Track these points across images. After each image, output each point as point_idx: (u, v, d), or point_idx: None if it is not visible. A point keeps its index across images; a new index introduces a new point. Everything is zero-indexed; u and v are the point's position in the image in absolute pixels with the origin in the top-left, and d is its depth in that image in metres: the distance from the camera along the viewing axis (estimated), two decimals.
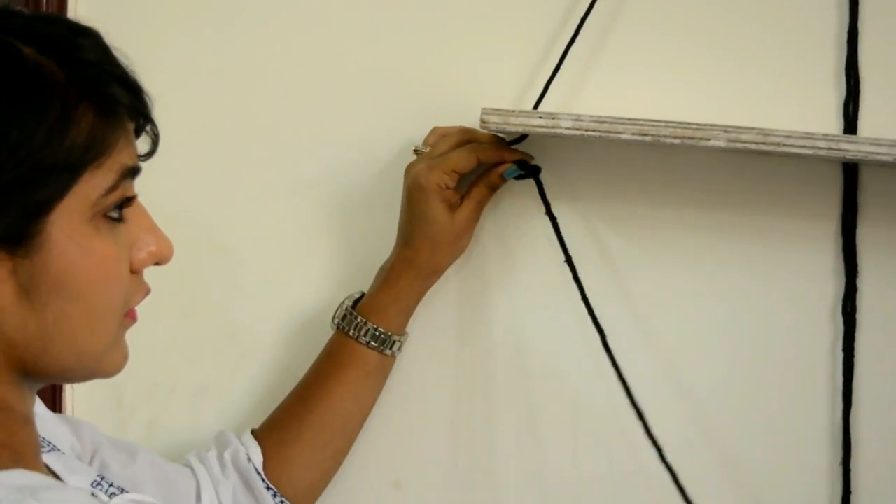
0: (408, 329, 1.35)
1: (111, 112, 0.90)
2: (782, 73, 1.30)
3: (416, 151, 1.32)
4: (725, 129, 1.14)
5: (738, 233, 1.32)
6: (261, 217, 1.43)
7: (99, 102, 0.89)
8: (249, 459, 1.29)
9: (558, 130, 1.17)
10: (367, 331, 1.31)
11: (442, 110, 1.34)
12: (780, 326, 1.33)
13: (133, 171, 0.93)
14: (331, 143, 1.40)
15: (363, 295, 1.34)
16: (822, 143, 1.13)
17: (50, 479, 0.91)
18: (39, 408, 1.04)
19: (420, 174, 1.28)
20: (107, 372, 0.96)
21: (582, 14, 1.30)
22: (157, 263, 0.98)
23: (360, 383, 1.33)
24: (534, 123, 1.18)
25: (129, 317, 0.97)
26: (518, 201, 1.35)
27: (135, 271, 0.96)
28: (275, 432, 1.32)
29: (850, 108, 1.28)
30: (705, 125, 1.14)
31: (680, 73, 1.32)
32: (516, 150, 1.31)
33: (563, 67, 1.30)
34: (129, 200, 0.93)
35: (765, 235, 1.31)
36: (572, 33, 1.30)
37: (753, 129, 1.13)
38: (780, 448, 1.33)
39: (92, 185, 0.88)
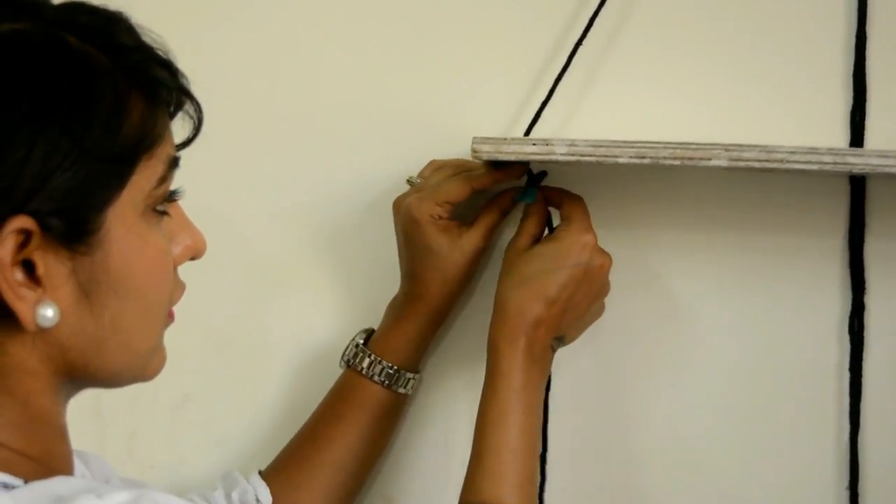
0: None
1: (157, 97, 0.90)
2: (785, 82, 1.28)
3: (409, 182, 1.30)
4: (726, 147, 1.12)
5: (740, 251, 1.30)
6: (248, 230, 1.42)
7: (146, 88, 0.89)
8: (258, 500, 1.27)
9: (553, 157, 1.15)
10: (382, 369, 1.28)
11: (432, 137, 1.33)
12: (784, 345, 1.31)
13: (176, 161, 0.93)
14: (321, 171, 1.39)
15: (373, 331, 1.32)
16: (827, 158, 1.11)
17: (95, 483, 0.93)
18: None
19: (412, 206, 1.25)
20: (152, 373, 0.97)
21: (574, 37, 1.29)
22: (192, 258, 0.98)
23: (375, 425, 1.30)
24: (527, 151, 1.16)
25: (170, 316, 0.98)
26: None
27: (174, 267, 0.97)
28: (283, 474, 1.29)
29: (858, 116, 1.25)
30: (705, 145, 1.13)
31: (676, 88, 1.30)
32: (507, 171, 1.26)
33: (556, 91, 1.29)
34: (174, 194, 0.94)
35: (768, 252, 1.30)
36: (567, 56, 1.28)
37: (756, 146, 1.12)
38: (785, 471, 1.31)
39: (146, 177, 0.88)
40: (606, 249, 1.21)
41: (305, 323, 1.41)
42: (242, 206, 1.41)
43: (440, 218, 1.24)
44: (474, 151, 1.16)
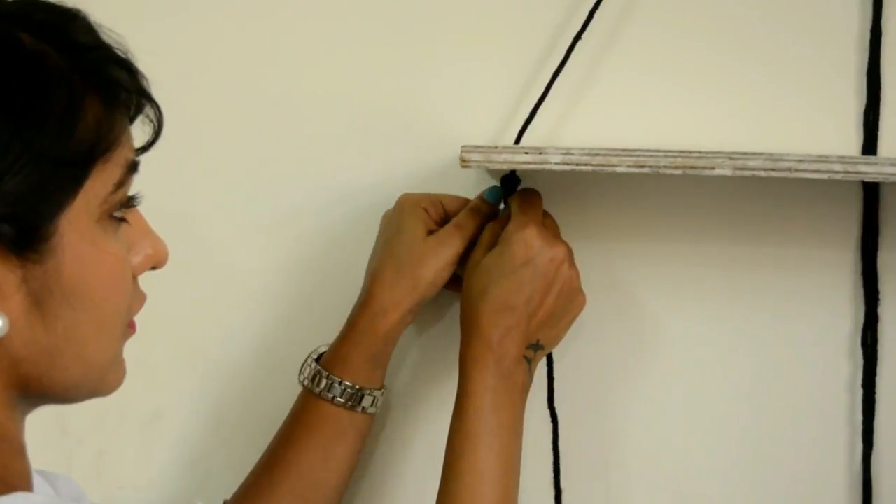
0: (386, 383, 1.29)
1: (115, 99, 0.87)
2: (793, 82, 1.26)
3: None
4: (731, 155, 1.11)
5: (746, 263, 1.29)
6: (224, 239, 1.40)
7: (103, 89, 0.86)
8: None
9: (547, 166, 1.14)
10: (332, 385, 1.24)
11: (418, 144, 1.31)
12: (794, 361, 1.29)
13: (135, 166, 0.91)
14: (299, 179, 1.37)
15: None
16: (837, 167, 1.10)
17: (62, 501, 0.93)
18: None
19: (406, 194, 1.25)
20: (109, 388, 0.94)
21: (569, 38, 1.26)
22: (153, 268, 0.96)
23: (332, 447, 1.25)
24: (519, 160, 1.14)
25: (131, 327, 0.95)
26: None
27: (132, 277, 0.94)
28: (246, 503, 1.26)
29: (871, 117, 1.23)
30: (708, 153, 1.11)
31: (677, 91, 1.28)
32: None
33: (549, 94, 1.27)
34: (132, 200, 0.92)
35: (776, 264, 1.28)
36: (561, 56, 1.26)
37: (762, 154, 1.10)
38: (794, 495, 1.30)
39: (102, 182, 0.86)
40: (603, 264, 1.23)
41: (283, 336, 1.39)
42: (216, 214, 1.39)
43: (424, 210, 1.24)
44: (463, 161, 1.15)
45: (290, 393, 1.34)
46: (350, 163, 1.34)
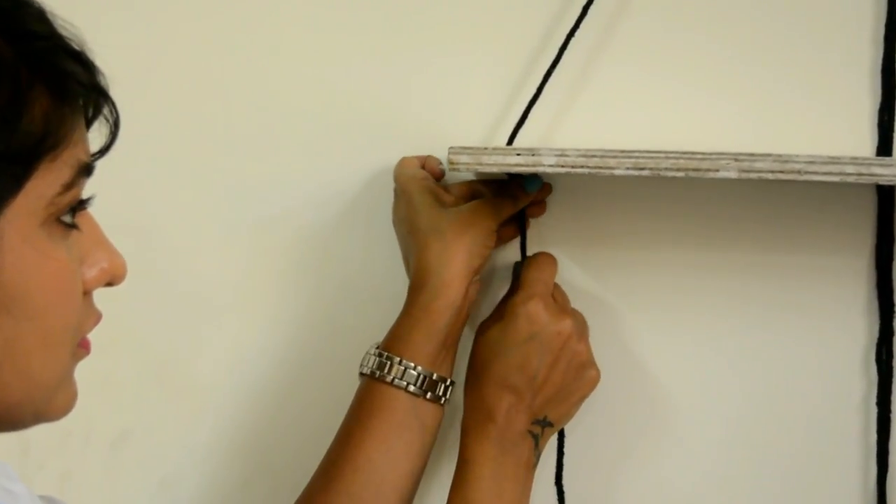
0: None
1: (66, 93, 0.84)
2: (802, 79, 1.25)
3: None
4: (736, 157, 1.09)
5: (752, 272, 1.28)
6: (192, 249, 1.38)
7: (53, 82, 0.83)
8: None
9: (540, 168, 1.12)
10: (391, 365, 1.19)
11: (404, 146, 1.29)
12: (804, 378, 1.28)
13: (88, 169, 0.86)
14: (277, 183, 1.35)
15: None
16: (850, 169, 1.08)
17: None
18: (16, 484, 1.01)
19: (404, 159, 1.26)
20: (56, 412, 0.89)
21: (563, 34, 1.25)
22: (108, 284, 0.91)
23: (392, 439, 1.19)
24: (511, 162, 1.12)
25: (83, 347, 0.91)
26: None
27: (85, 292, 0.90)
28: None
29: (886, 116, 1.23)
30: (712, 154, 1.09)
31: (678, 88, 1.27)
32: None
33: (542, 93, 1.25)
34: (83, 203, 0.87)
35: (784, 274, 1.27)
36: (555, 53, 1.25)
37: (769, 155, 1.08)
38: None
39: (47, 182, 0.82)
40: (600, 272, 1.24)
41: (257, 352, 1.37)
42: (187, 222, 1.38)
43: (428, 177, 1.24)
44: (451, 163, 1.13)
45: (266, 410, 1.35)
46: (334, 166, 1.33)
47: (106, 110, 0.89)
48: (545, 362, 1.16)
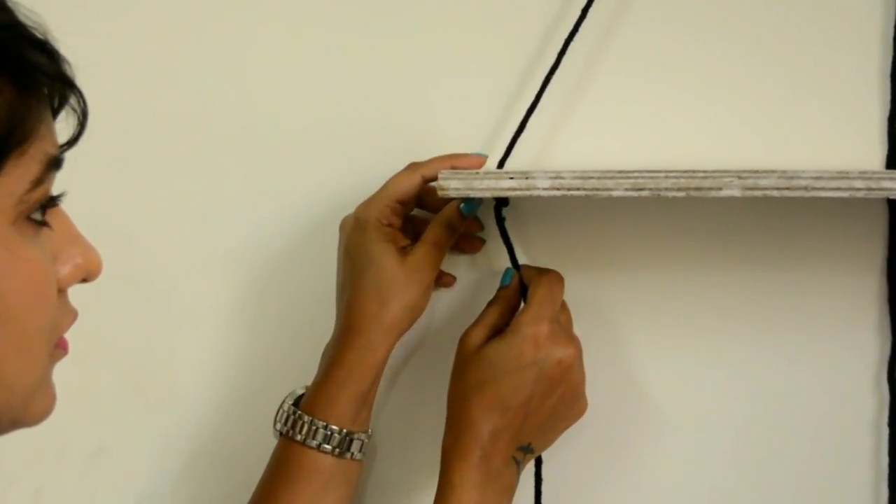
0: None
1: (32, 85, 0.83)
2: (809, 87, 1.24)
3: None
4: (740, 174, 1.07)
5: (756, 290, 1.27)
6: (173, 255, 1.37)
7: (17, 74, 0.81)
8: None
9: (534, 192, 1.10)
10: (316, 431, 1.19)
11: (395, 166, 1.25)
12: (812, 398, 1.27)
13: (57, 162, 0.85)
14: (258, 192, 1.34)
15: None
16: (859, 184, 1.07)
17: None
18: None
19: (358, 209, 1.21)
20: (35, 416, 0.88)
21: (556, 47, 1.23)
22: (84, 280, 0.91)
23: (319, 501, 1.21)
24: (504, 186, 1.11)
25: (61, 347, 0.91)
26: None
27: (60, 290, 0.89)
28: None
29: None
30: (715, 172, 1.08)
31: (678, 102, 1.26)
32: (469, 156, 1.23)
33: (536, 109, 1.24)
34: (54, 199, 0.87)
35: (791, 291, 1.26)
36: (547, 69, 1.23)
37: (774, 172, 1.07)
38: None
39: (16, 178, 0.81)
40: (597, 295, 1.23)
41: (238, 364, 1.36)
42: (167, 230, 1.37)
43: (388, 225, 1.20)
44: (441, 189, 1.12)
45: (245, 426, 1.34)
46: (316, 178, 1.32)
47: (73, 100, 0.88)
48: (541, 389, 1.14)
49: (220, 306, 1.36)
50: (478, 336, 1.18)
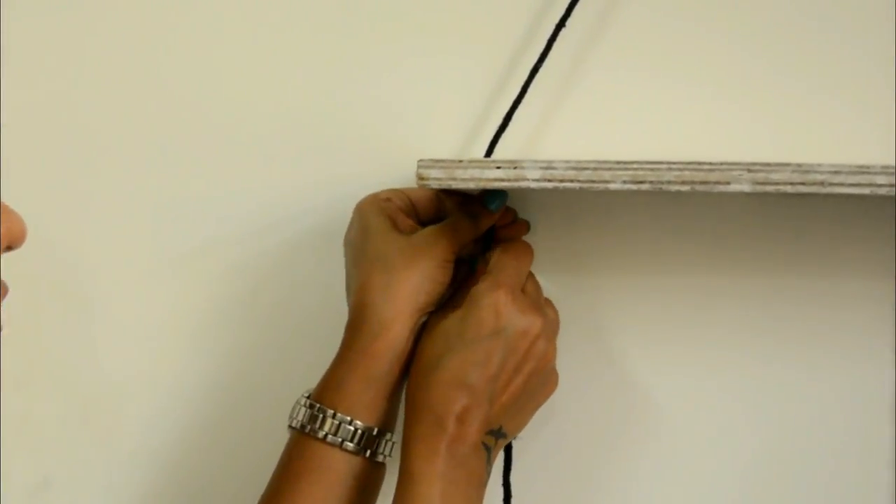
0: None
1: None
2: (824, 77, 1.22)
3: None
4: (750, 167, 1.03)
5: (765, 298, 1.25)
6: (129, 266, 1.34)
7: None
8: None
9: (523, 184, 1.06)
10: (323, 419, 1.11)
11: (371, 162, 1.26)
12: (825, 417, 1.26)
13: None
14: (238, 195, 1.31)
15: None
16: (881, 179, 1.02)
17: None
18: None
19: (369, 195, 1.19)
20: None
21: (548, 29, 1.20)
22: (8, 248, 0.91)
23: (335, 494, 1.12)
24: (490, 176, 1.07)
25: None
26: None
27: None
28: None
29: None
30: (722, 164, 1.04)
31: (683, 89, 1.23)
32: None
33: (526, 94, 1.20)
34: None
35: (802, 299, 1.25)
36: (539, 52, 1.20)
37: (788, 165, 1.03)
38: None
39: None
40: (594, 301, 1.23)
41: (195, 390, 1.33)
42: (125, 240, 1.33)
43: (390, 200, 1.17)
44: (421, 178, 1.08)
45: (205, 455, 1.33)
46: (287, 179, 1.30)
47: None
48: (508, 365, 1.09)
49: (176, 329, 1.33)
50: (439, 314, 1.14)
